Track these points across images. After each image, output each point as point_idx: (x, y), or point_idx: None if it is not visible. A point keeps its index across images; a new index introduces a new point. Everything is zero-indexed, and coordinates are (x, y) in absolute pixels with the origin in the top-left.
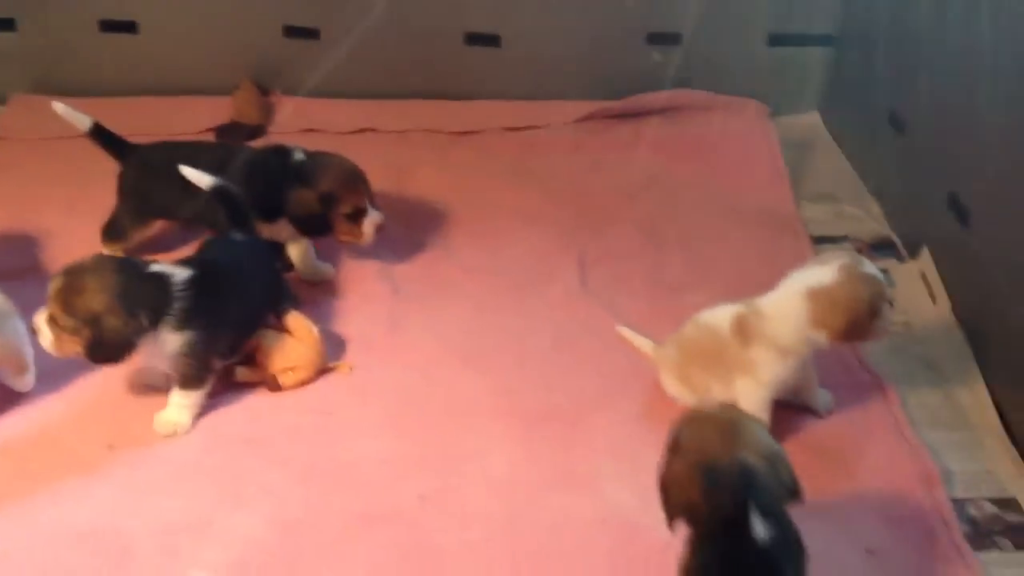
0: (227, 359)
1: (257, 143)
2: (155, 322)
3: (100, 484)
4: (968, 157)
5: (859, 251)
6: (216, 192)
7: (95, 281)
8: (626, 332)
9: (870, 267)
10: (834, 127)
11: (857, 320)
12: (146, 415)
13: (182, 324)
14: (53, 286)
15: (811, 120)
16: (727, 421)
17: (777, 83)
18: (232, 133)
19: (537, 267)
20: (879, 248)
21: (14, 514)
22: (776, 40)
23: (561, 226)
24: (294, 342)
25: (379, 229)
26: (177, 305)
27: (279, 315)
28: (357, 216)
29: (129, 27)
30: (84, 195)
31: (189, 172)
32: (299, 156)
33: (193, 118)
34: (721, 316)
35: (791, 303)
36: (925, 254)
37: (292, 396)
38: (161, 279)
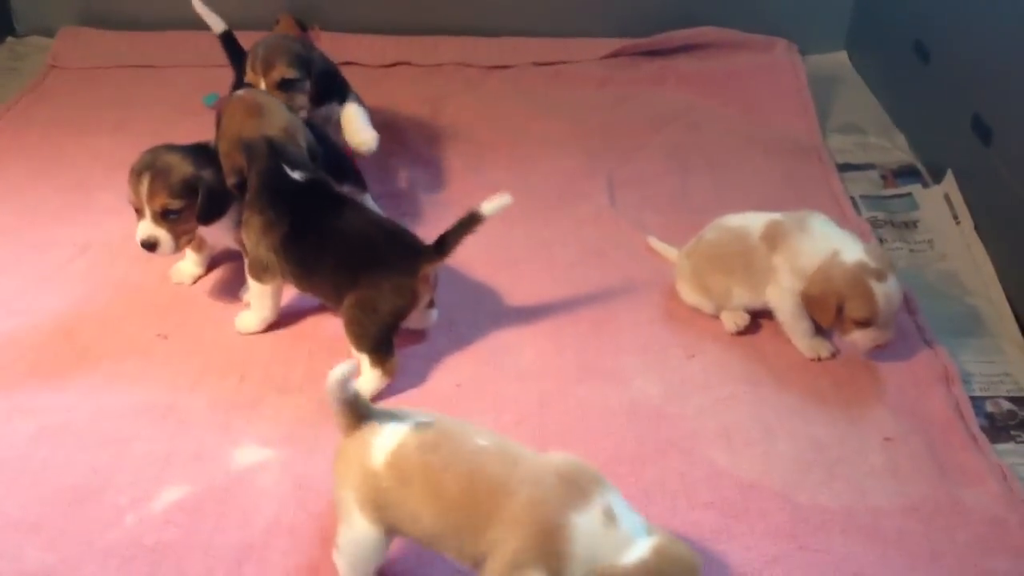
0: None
1: None
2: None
3: (155, 368)
4: (991, 77)
5: (883, 178)
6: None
7: (171, 157)
8: (655, 242)
9: (885, 284)
10: (860, 64)
11: (816, 306)
12: (194, 309)
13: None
14: (143, 187)
15: (838, 58)
16: (254, 105)
17: (804, 22)
18: None
19: (566, 188)
20: (903, 175)
21: (76, 391)
22: None
23: (589, 152)
24: None
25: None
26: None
27: None
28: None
29: None
30: (132, 118)
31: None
32: None
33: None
34: (751, 220)
35: (818, 246)
36: (949, 177)
37: None
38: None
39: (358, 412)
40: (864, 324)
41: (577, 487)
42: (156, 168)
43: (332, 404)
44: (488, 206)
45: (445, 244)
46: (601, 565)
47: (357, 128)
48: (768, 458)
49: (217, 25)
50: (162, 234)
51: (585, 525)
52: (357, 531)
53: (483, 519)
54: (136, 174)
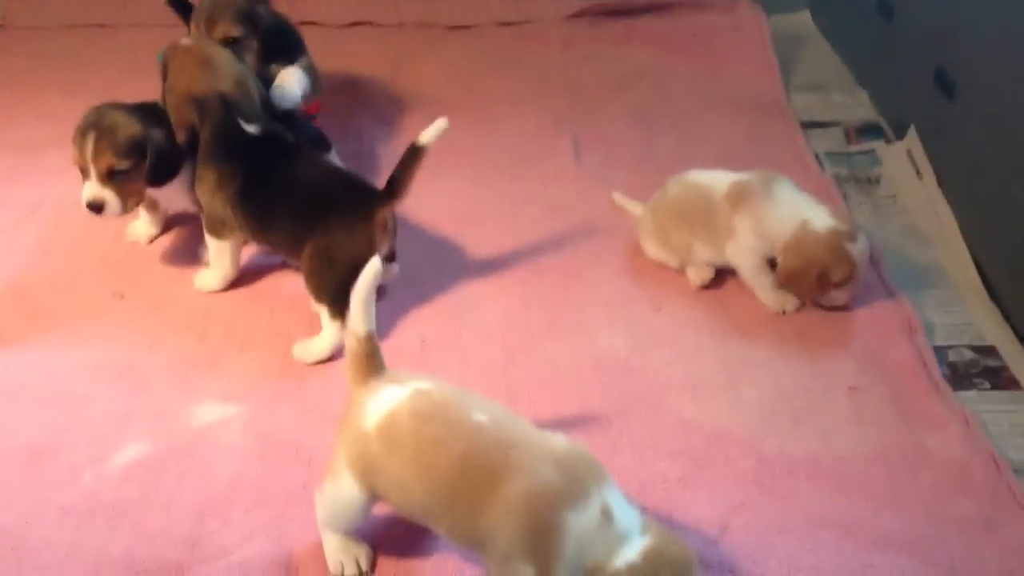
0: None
1: None
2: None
3: (113, 327)
4: (953, 31)
5: (847, 134)
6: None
7: (117, 115)
8: (620, 198)
9: (858, 244)
10: (824, 23)
11: (796, 278)
12: (152, 268)
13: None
14: (88, 147)
15: (801, 18)
16: (203, 57)
17: None
18: None
19: (530, 147)
20: (866, 132)
21: (32, 350)
22: None
23: (553, 111)
24: None
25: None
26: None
27: None
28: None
29: None
30: (83, 77)
31: None
32: None
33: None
34: (716, 178)
35: (784, 213)
36: (911, 133)
37: None
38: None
39: (370, 360)
40: (842, 284)
41: (576, 482)
42: (101, 127)
43: (350, 334)
44: (425, 135)
45: (394, 183)
46: (591, 565)
47: (281, 81)
48: (734, 407)
49: None
50: (109, 195)
51: (580, 524)
52: (342, 488)
53: (475, 504)
54: (81, 133)
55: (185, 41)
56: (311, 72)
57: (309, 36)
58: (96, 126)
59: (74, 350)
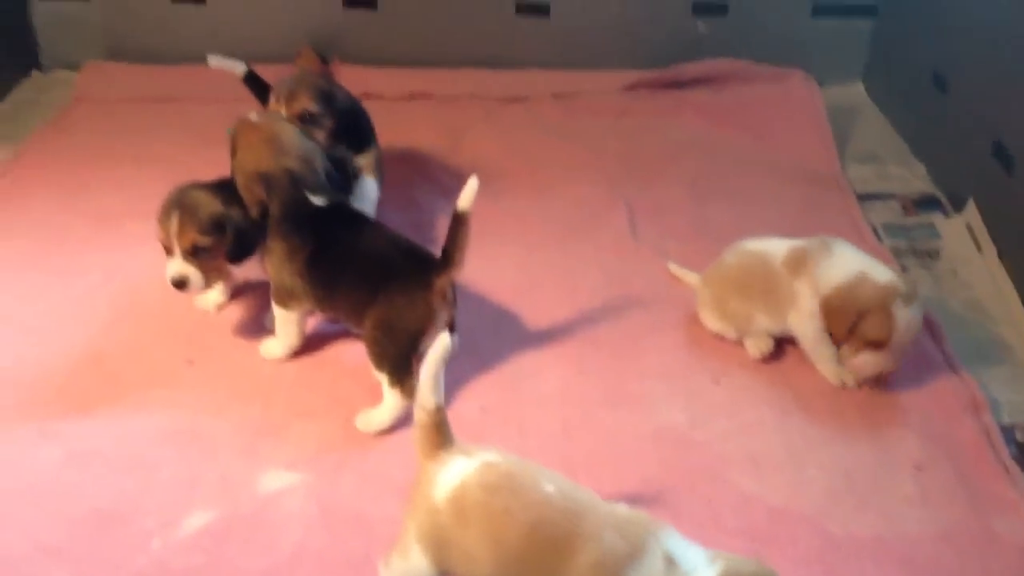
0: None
1: None
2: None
3: (183, 393)
4: (1012, 104)
5: (904, 207)
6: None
7: (199, 194)
8: (675, 268)
9: (909, 310)
10: (878, 94)
11: (833, 315)
12: (220, 336)
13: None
14: (172, 225)
15: (854, 89)
16: (270, 134)
17: (821, 54)
18: None
19: (586, 216)
20: (924, 204)
21: (103, 416)
22: (820, 11)
23: (608, 181)
24: None
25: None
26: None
27: None
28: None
29: None
30: (154, 149)
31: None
32: None
33: None
34: (773, 245)
35: (843, 268)
36: (971, 206)
37: None
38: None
39: (439, 433)
40: (876, 346)
41: (633, 540)
42: (184, 206)
43: (419, 408)
44: (462, 199)
45: (448, 253)
46: None
47: (362, 188)
48: (797, 485)
49: (238, 68)
50: (192, 271)
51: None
52: (412, 562)
53: (545, 574)
54: (165, 212)
55: (253, 117)
56: (380, 167)
57: (369, 108)
58: (179, 205)
59: (145, 416)
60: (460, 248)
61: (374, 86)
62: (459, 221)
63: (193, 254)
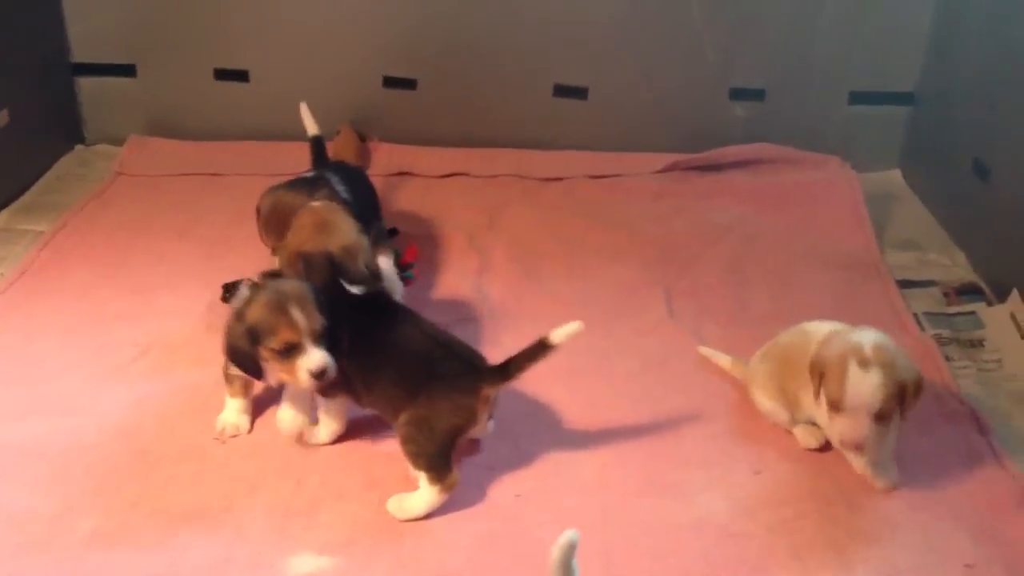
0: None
1: None
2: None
3: (212, 471)
4: None
5: (946, 295)
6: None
7: (295, 284)
8: (706, 351)
9: (869, 376)
10: (916, 182)
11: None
12: (253, 413)
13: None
14: (297, 317)
15: (892, 176)
16: (323, 221)
17: (857, 141)
18: None
19: (624, 298)
20: (966, 292)
21: (131, 494)
22: (857, 98)
23: (646, 264)
24: None
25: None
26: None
27: None
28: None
29: (241, 76)
30: (195, 223)
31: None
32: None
33: (296, 161)
34: (824, 327)
35: (888, 354)
36: (1014, 296)
37: None
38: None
39: None
40: (833, 407)
41: None
42: (294, 297)
43: None
44: (557, 334)
45: (510, 369)
46: None
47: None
48: None
49: (312, 128)
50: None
51: None
52: None
53: None
54: (278, 310)
55: (315, 203)
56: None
57: (407, 186)
58: (290, 297)
59: (175, 494)
60: (525, 368)
61: (411, 164)
62: (541, 348)
63: (321, 337)
